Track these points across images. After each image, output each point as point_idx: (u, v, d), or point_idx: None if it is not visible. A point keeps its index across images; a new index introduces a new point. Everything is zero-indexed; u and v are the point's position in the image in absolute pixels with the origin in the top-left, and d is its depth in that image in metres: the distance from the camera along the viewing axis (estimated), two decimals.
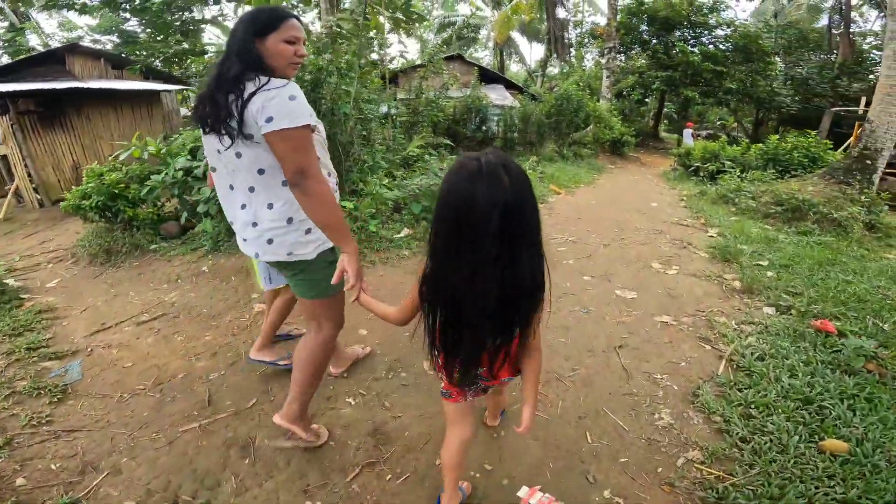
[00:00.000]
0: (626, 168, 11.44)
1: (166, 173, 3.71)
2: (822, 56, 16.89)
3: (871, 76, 15.30)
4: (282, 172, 1.42)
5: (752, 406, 2.07)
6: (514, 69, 28.72)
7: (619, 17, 14.04)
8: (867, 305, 2.98)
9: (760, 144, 8.42)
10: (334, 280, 1.47)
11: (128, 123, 8.15)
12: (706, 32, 15.98)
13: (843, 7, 16.11)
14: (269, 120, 1.32)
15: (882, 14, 16.64)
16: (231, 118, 1.36)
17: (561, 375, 2.35)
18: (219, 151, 1.49)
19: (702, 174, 8.83)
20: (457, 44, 23.21)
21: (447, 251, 1.09)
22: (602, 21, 19.59)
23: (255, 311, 2.95)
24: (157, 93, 8.55)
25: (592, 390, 2.25)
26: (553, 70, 23.91)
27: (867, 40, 16.62)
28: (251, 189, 1.50)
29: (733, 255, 3.98)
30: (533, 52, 47.83)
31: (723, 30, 15.92)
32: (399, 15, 6.06)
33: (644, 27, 16.10)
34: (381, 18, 6.09)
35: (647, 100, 18.76)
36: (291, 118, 1.34)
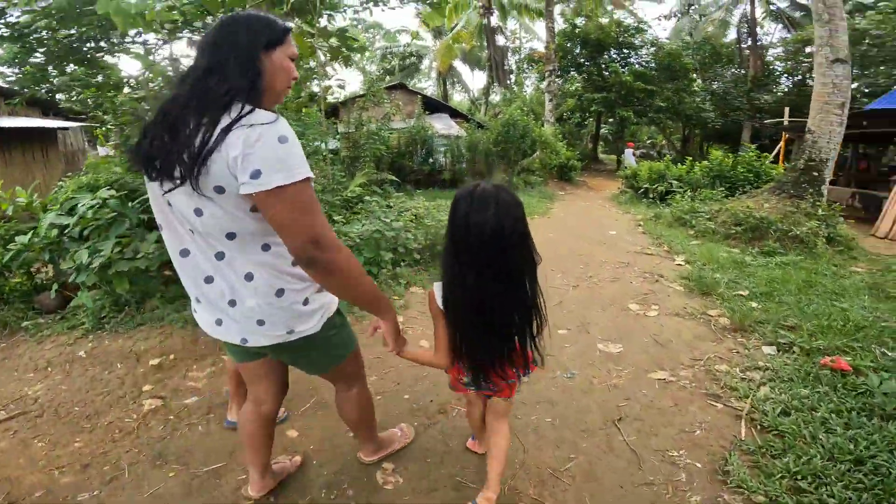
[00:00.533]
0: (576, 194, 11.45)
1: (35, 233, 2.89)
2: (734, 71, 18.11)
3: (776, 88, 16.65)
4: (260, 236, 1.08)
5: (798, 476, 1.69)
6: (457, 98, 29.11)
7: (556, 40, 14.46)
8: (867, 332, 2.77)
9: (705, 162, 8.59)
10: (369, 334, 1.38)
11: (17, 167, 6.99)
12: (633, 53, 16.93)
13: (749, 21, 17.51)
14: (256, 175, 0.93)
15: (784, 26, 18.27)
16: (193, 158, 0.95)
17: (555, 469, 1.81)
18: (169, 204, 1.08)
19: (651, 196, 8.87)
20: (399, 74, 23.22)
21: (450, 263, 1.25)
22: (539, 46, 20.33)
23: (145, 409, 2.20)
24: (52, 131, 7.42)
25: (599, 485, 1.74)
26: (496, 98, 24.42)
27: (771, 52, 18.06)
28: (219, 256, 1.11)
29: (710, 286, 3.72)
30: (475, 80, 49.41)
31: (647, 49, 16.92)
32: (334, 42, 5.59)
33: (578, 50, 16.75)
34: (315, 47, 5.58)
35: (585, 123, 19.38)
36: (287, 170, 0.95)
